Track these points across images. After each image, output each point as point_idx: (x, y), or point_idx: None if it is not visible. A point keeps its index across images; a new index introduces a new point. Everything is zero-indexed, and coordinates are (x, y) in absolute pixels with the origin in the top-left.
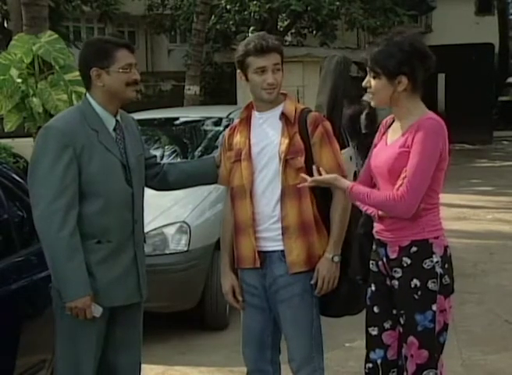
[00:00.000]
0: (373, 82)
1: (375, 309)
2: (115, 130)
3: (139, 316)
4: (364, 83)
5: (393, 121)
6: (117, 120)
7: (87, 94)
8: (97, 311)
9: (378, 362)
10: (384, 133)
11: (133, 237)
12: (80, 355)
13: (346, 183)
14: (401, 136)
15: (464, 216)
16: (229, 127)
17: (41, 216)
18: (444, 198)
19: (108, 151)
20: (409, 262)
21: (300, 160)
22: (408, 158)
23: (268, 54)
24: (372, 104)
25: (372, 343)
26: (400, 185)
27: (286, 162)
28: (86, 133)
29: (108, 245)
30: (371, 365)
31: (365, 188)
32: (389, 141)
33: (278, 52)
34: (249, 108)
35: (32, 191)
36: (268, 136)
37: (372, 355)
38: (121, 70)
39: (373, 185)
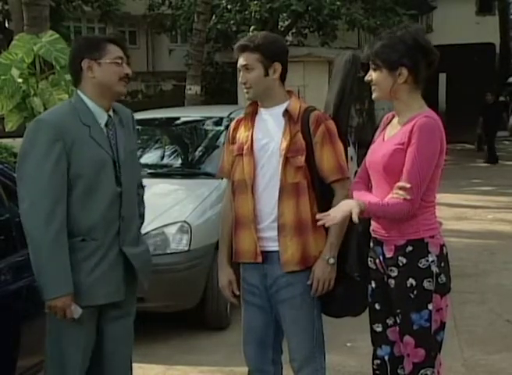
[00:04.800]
0: (374, 75)
1: (377, 306)
2: (106, 125)
3: (130, 318)
4: (366, 78)
5: (393, 117)
6: (109, 115)
7: (78, 90)
8: (76, 312)
9: (386, 358)
10: (383, 130)
11: (119, 235)
12: (65, 356)
13: (360, 203)
14: (398, 132)
15: (465, 215)
16: (235, 120)
17: (28, 211)
18: (445, 197)
19: (99, 146)
20: (404, 261)
21: (301, 159)
22: (403, 155)
23: (241, 54)
24: (373, 97)
25: (378, 340)
26: (400, 188)
27: (286, 160)
28: (77, 127)
29: (93, 243)
30: (378, 361)
31: (377, 201)
32: (387, 137)
33: (249, 51)
34: (255, 102)
35: (20, 185)
36: (270, 132)
37: (379, 352)
38: (112, 62)
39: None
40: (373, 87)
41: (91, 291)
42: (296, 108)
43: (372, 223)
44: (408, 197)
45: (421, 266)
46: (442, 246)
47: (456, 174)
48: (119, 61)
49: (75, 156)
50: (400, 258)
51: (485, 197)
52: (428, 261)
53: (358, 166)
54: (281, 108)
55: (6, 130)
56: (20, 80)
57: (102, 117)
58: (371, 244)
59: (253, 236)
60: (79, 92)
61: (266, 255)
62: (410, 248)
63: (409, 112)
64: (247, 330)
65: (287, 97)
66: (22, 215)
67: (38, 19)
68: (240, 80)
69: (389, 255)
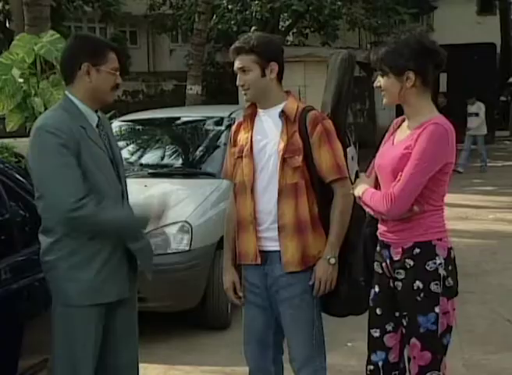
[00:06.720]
0: (382, 81)
1: (378, 311)
2: (98, 126)
3: (134, 315)
4: (375, 85)
5: (403, 121)
6: (98, 117)
7: (67, 92)
8: None
9: (380, 364)
10: (393, 133)
11: None
12: (78, 355)
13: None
14: (407, 136)
15: (466, 215)
16: (236, 123)
17: (71, 213)
18: (446, 197)
19: (97, 146)
20: (412, 263)
21: (298, 159)
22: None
23: (236, 56)
24: (384, 102)
25: (374, 345)
26: (393, 186)
27: (283, 161)
28: (77, 129)
29: (100, 241)
30: (372, 367)
31: (373, 189)
32: (396, 141)
33: (245, 53)
34: (253, 104)
35: (48, 194)
36: (269, 134)
37: (374, 357)
38: (111, 71)
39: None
40: (382, 93)
41: (103, 288)
42: (294, 109)
43: (379, 226)
44: (393, 191)
45: (428, 268)
46: (449, 249)
47: (457, 174)
48: (115, 72)
49: (82, 157)
50: (407, 260)
51: (486, 197)
52: (435, 263)
53: (359, 165)
54: (279, 108)
55: (7, 130)
56: (21, 80)
57: (93, 119)
58: (378, 248)
59: (253, 238)
60: (68, 95)
61: (266, 255)
62: (417, 250)
63: (419, 116)
64: (247, 330)
65: (285, 97)
66: (66, 213)
67: (39, 19)
68: (237, 82)
69: (396, 257)
